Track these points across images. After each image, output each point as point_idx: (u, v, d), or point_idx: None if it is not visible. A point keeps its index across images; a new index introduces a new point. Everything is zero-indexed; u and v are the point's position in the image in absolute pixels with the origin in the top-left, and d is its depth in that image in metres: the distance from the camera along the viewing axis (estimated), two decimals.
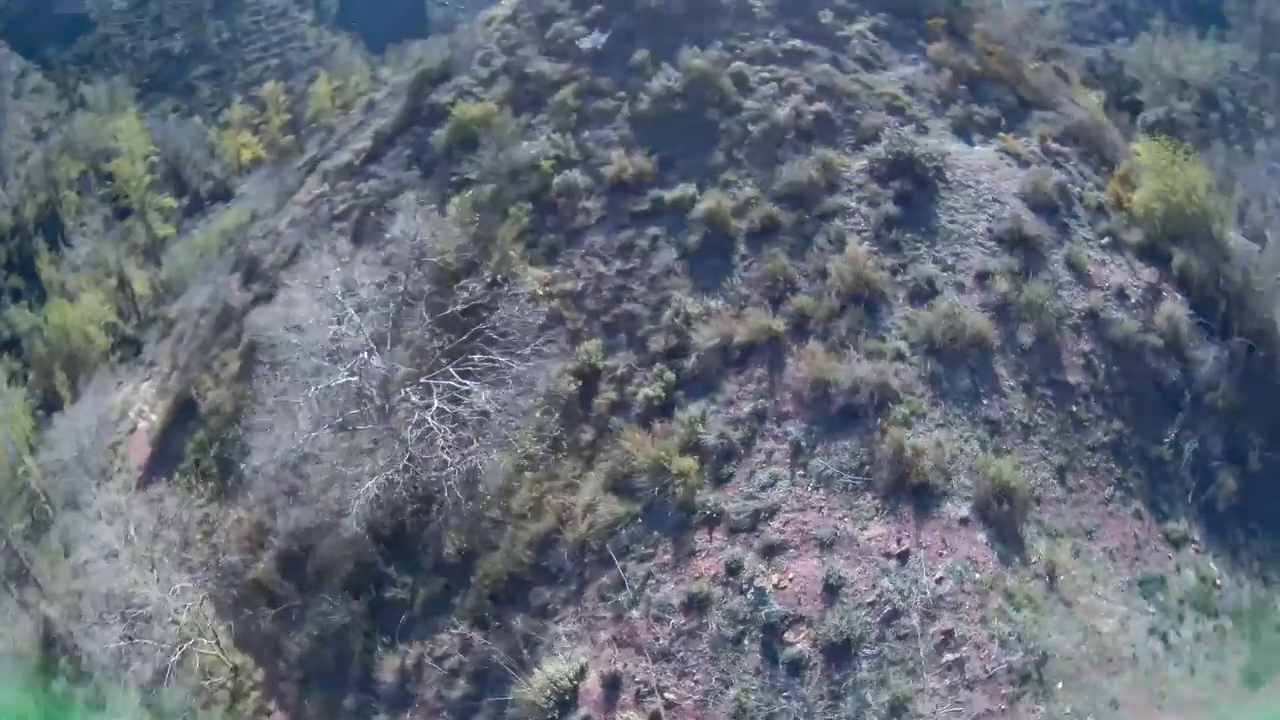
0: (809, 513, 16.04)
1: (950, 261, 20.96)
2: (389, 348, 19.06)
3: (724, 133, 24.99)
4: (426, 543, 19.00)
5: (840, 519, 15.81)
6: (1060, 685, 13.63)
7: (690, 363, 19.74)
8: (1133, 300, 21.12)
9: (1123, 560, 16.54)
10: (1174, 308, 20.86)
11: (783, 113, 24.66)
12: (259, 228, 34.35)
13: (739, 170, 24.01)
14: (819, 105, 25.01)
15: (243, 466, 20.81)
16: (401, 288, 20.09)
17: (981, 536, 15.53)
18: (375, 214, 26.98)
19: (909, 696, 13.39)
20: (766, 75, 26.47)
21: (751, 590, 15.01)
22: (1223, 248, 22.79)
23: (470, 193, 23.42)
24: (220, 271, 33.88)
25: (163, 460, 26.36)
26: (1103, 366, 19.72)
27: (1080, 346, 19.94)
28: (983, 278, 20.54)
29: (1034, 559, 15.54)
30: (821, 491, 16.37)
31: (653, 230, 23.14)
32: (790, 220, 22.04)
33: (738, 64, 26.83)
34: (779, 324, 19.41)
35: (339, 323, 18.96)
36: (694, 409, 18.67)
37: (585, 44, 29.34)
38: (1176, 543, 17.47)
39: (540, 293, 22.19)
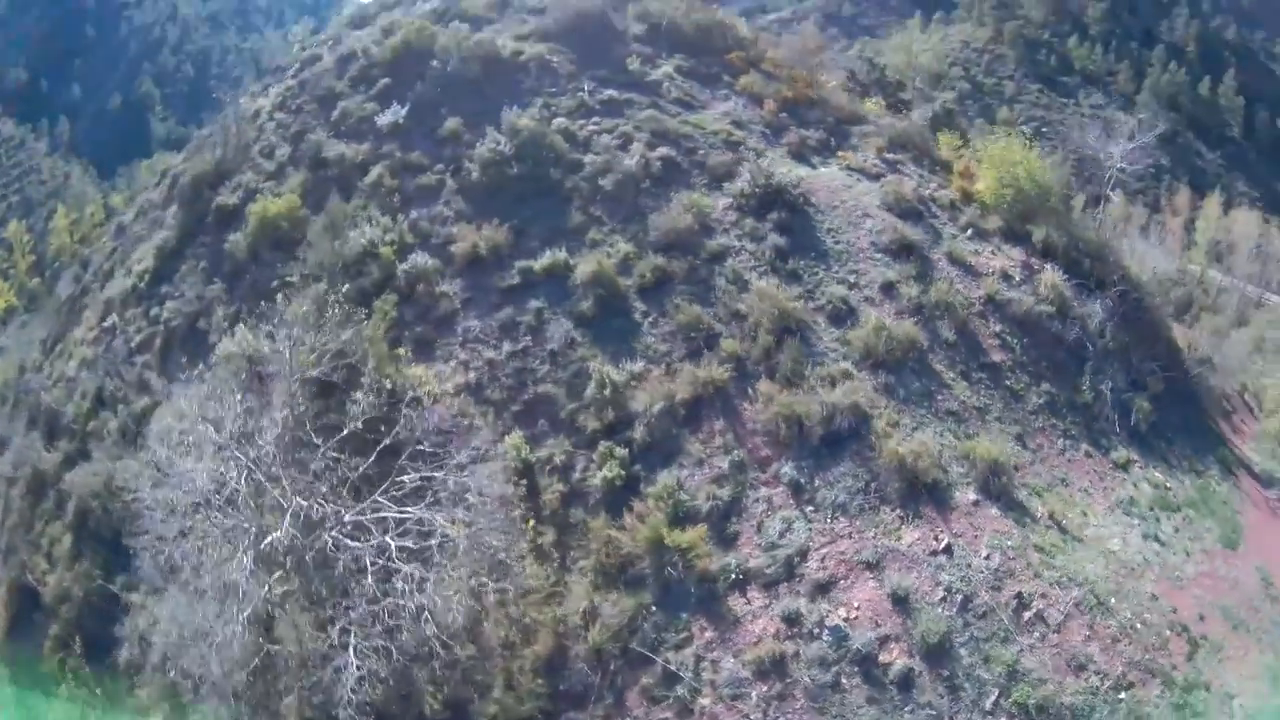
0: (841, 542, 18.42)
1: (853, 279, 24.72)
2: (289, 486, 18.64)
3: (573, 191, 27.55)
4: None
5: (874, 538, 18.43)
6: (1113, 600, 18.09)
7: (639, 433, 21.30)
8: (1017, 279, 26.44)
9: (1096, 493, 21.64)
10: (1051, 276, 26.48)
11: (631, 163, 27.60)
12: (44, 377, 32.95)
13: (602, 227, 26.50)
14: (662, 150, 28.38)
15: (121, 658, 19.03)
16: (282, 413, 19.70)
17: (994, 511, 19.37)
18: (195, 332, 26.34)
19: (1015, 660, 16.52)
20: (594, 128, 29.65)
21: (826, 631, 16.80)
22: (1067, 215, 28.98)
23: (335, 293, 23.31)
24: (12, 432, 32.20)
25: (20, 665, 24.36)
26: (1016, 342, 24.64)
27: (992, 329, 24.71)
28: (888, 288, 24.58)
29: (1038, 514, 19.90)
30: (842, 519, 18.87)
31: (533, 303, 24.69)
32: (681, 269, 24.74)
33: (559, 120, 29.80)
34: (721, 373, 21.62)
35: (238, 472, 18.26)
36: (666, 479, 20.26)
37: (384, 120, 31.13)
38: (1124, 466, 22.96)
39: (436, 392, 22.60)
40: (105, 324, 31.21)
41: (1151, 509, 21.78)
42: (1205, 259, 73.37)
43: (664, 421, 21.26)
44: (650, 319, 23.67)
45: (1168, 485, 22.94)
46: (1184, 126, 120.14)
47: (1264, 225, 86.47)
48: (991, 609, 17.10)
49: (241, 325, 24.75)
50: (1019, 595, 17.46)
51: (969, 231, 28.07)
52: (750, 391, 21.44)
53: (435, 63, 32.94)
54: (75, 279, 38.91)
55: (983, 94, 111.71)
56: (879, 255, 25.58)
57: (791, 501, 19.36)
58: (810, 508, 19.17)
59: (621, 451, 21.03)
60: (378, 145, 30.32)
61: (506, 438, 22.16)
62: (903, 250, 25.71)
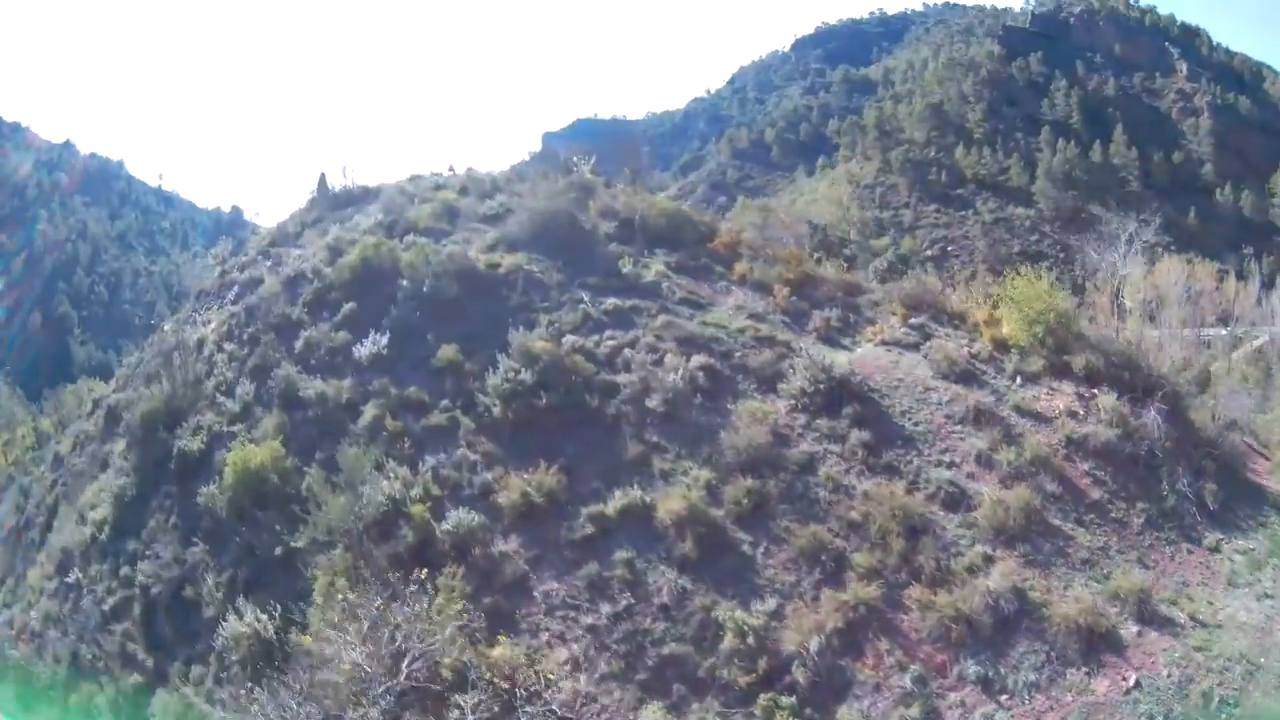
0: (1046, 716, 21.07)
1: (947, 459, 27.52)
2: None
3: (619, 418, 29.32)
4: None
5: (1072, 700, 21.29)
6: (1262, 659, 22.20)
7: (799, 675, 22.63)
8: (1081, 413, 29.96)
9: (1211, 582, 25.59)
10: (1106, 400, 30.28)
11: (675, 378, 29.71)
12: (4, 624, 33.76)
13: (665, 454, 28.19)
14: (698, 359, 30.68)
15: None
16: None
17: (1154, 634, 23.01)
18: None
19: None
20: (612, 343, 31.89)
21: None
22: (1087, 335, 33.48)
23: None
24: None
25: None
26: (1104, 475, 28.12)
27: (1081, 469, 28.08)
28: (982, 459, 27.57)
29: (1182, 621, 23.64)
30: (1039, 695, 21.45)
31: (619, 554, 25.76)
32: (776, 488, 26.66)
33: (570, 338, 31.86)
34: (869, 590, 23.64)
35: None
36: (848, 714, 21.73)
37: (363, 351, 32.43)
38: (1216, 548, 26.87)
39: (549, 677, 23.06)
40: (67, 578, 31.71)
41: (1252, 573, 25.95)
42: (1139, 323, 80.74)
43: (824, 657, 22.75)
44: (762, 549, 25.36)
45: (1250, 548, 27.25)
46: (1084, 199, 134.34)
47: (1188, 266, 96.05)
48: (1187, 714, 20.82)
49: (245, 601, 25.49)
50: (1203, 693, 21.18)
51: (1018, 380, 31.42)
52: (903, 601, 23.45)
53: (405, 282, 34.76)
54: (17, 508, 41.33)
55: (883, 228, 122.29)
56: (958, 427, 28.59)
57: (984, 696, 21.57)
58: (1005, 695, 21.53)
59: (787, 700, 22.20)
60: (361, 380, 31.56)
61: (643, 713, 23.01)
62: (977, 417, 28.86)
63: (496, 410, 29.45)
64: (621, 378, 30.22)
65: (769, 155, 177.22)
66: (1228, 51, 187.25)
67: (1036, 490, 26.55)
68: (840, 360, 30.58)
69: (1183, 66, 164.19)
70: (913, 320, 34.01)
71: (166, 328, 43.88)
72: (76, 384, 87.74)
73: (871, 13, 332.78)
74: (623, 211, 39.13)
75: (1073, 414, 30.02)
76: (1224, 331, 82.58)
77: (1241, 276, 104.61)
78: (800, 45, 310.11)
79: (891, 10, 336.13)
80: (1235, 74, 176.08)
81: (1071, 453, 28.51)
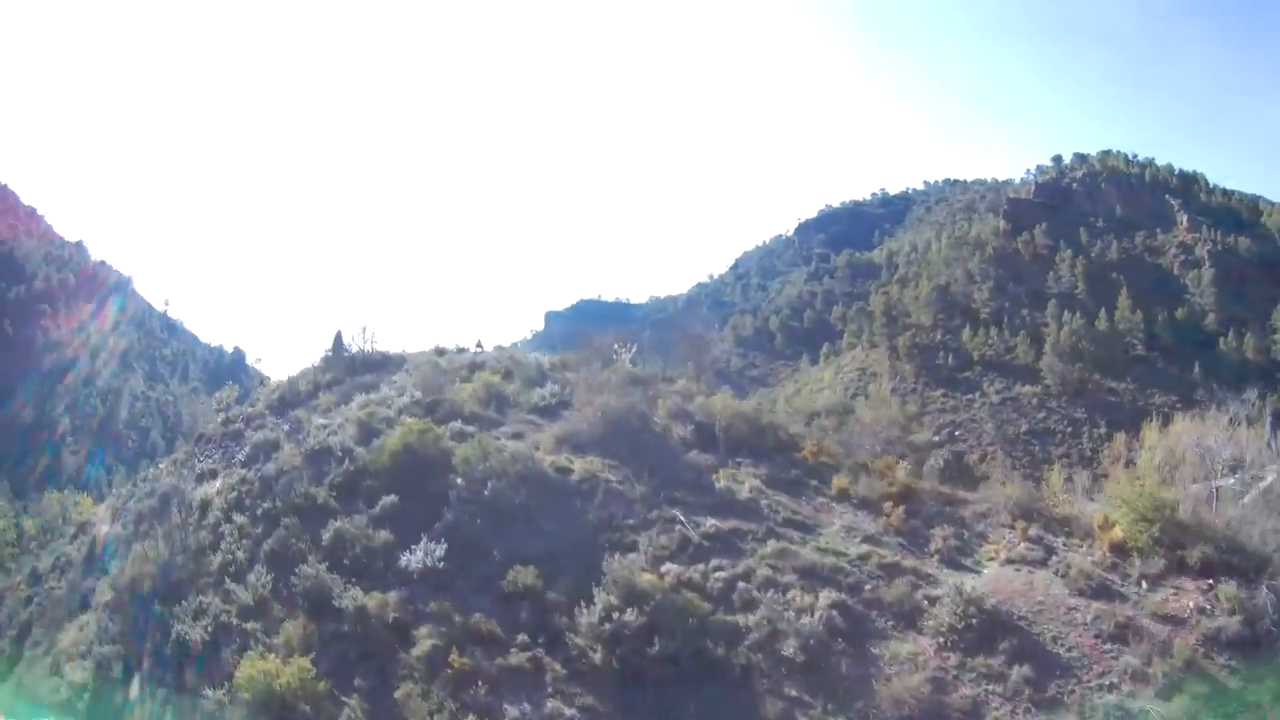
0: None
1: (1105, 681, 27.69)
2: None
3: (750, 669, 27.58)
4: None
5: None
6: None
7: None
8: (1209, 608, 30.28)
9: None
10: (1226, 589, 30.71)
11: (808, 620, 28.40)
12: None
13: (809, 711, 26.48)
14: (828, 595, 29.55)
15: None
16: None
17: None
18: None
19: None
20: (723, 575, 30.42)
21: None
22: (1186, 522, 34.00)
23: None
24: None
25: None
26: (1237, 662, 28.35)
27: (1219, 662, 28.34)
28: (1138, 676, 27.64)
29: None
30: None
31: None
32: None
33: (672, 567, 30.24)
34: None
35: None
36: None
37: (413, 560, 30.16)
38: None
39: None
40: None
41: None
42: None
43: None
44: None
45: None
46: (1090, 370, 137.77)
47: (1200, 424, 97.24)
48: None
49: None
50: None
51: (1144, 585, 31.81)
52: None
53: (460, 480, 32.66)
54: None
55: (918, 422, 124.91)
56: (1109, 646, 28.77)
57: None
58: None
59: None
60: (412, 596, 29.07)
61: None
62: (1124, 633, 29.09)
63: (596, 656, 26.84)
64: (742, 618, 28.64)
65: (773, 344, 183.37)
66: (1225, 192, 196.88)
67: (1193, 696, 26.83)
68: (974, 585, 30.62)
69: (1183, 218, 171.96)
70: (1029, 534, 34.28)
71: (162, 467, 43.19)
72: (62, 493, 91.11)
73: (873, 194, 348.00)
74: (697, 414, 39.04)
75: (1202, 610, 30.45)
76: (1233, 480, 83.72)
77: (1250, 422, 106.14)
78: (803, 229, 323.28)
79: (893, 190, 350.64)
80: (1233, 213, 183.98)
81: (1209, 649, 28.83)
